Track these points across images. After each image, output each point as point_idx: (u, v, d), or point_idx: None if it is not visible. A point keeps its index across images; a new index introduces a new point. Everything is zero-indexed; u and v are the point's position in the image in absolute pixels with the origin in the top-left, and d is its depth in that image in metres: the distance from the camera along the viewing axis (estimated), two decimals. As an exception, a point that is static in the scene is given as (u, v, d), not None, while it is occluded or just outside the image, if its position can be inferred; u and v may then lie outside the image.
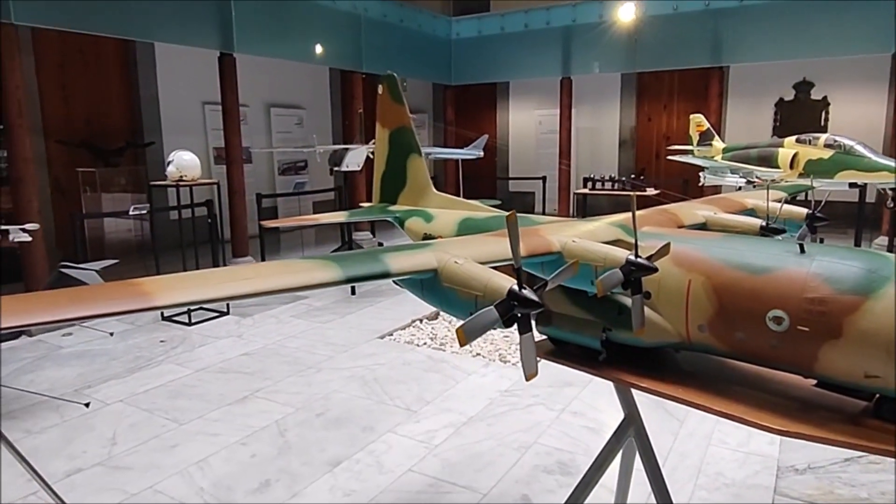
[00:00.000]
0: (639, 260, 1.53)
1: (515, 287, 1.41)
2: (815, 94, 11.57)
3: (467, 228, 2.50)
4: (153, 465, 3.49)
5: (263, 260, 8.64)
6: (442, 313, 6.59)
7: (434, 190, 2.94)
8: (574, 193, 10.53)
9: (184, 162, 6.03)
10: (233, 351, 5.35)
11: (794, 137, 6.91)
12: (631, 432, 1.91)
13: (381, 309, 6.64)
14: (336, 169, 7.51)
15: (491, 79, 12.28)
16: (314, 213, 12.99)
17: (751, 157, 7.17)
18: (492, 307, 1.37)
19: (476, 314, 1.36)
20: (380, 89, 3.02)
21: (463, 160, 10.95)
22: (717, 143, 8.33)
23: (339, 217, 3.17)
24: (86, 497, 3.13)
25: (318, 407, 4.23)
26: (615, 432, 1.91)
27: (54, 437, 3.82)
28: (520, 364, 5.01)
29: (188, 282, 1.32)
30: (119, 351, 5.38)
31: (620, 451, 1.96)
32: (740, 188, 6.73)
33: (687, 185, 12.19)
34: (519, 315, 1.40)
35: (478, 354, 5.34)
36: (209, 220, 7.47)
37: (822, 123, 11.51)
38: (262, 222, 3.17)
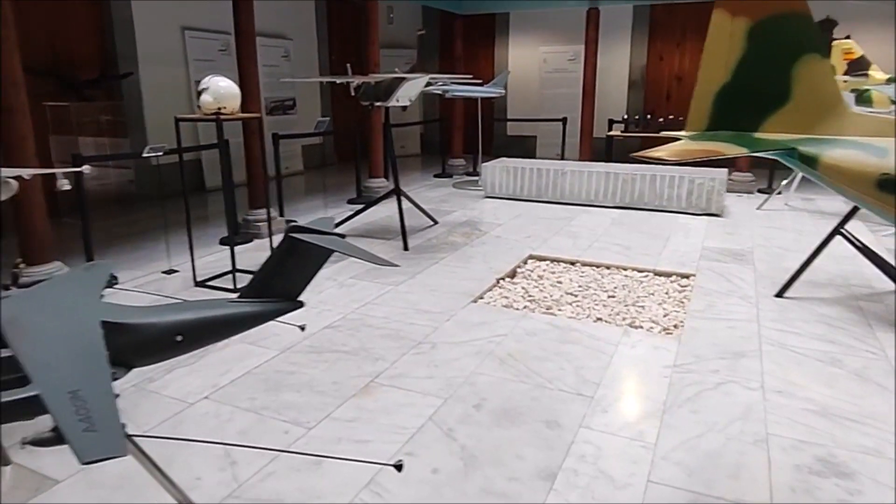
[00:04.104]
0: None
1: None
2: (838, 34, 11.11)
3: None
4: (307, 494, 2.58)
5: (282, 212, 7.54)
6: (519, 271, 5.75)
7: (849, 108, 2.05)
8: (608, 135, 9.75)
9: (221, 90, 4.79)
10: (310, 324, 4.37)
11: None
12: None
13: (448, 266, 5.75)
14: (378, 104, 6.40)
15: (508, 8, 11.12)
16: (303, 157, 11.73)
17: (935, 85, 6.56)
18: None
19: None
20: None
21: (483, 100, 9.93)
22: (876, 73, 7.61)
23: (721, 150, 2.19)
24: (244, 550, 2.22)
25: (469, 396, 3.39)
26: None
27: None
28: (664, 331, 4.21)
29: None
30: (166, 328, 4.31)
31: None
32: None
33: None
34: None
35: (599, 319, 4.60)
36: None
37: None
38: (634, 154, 2.21)
